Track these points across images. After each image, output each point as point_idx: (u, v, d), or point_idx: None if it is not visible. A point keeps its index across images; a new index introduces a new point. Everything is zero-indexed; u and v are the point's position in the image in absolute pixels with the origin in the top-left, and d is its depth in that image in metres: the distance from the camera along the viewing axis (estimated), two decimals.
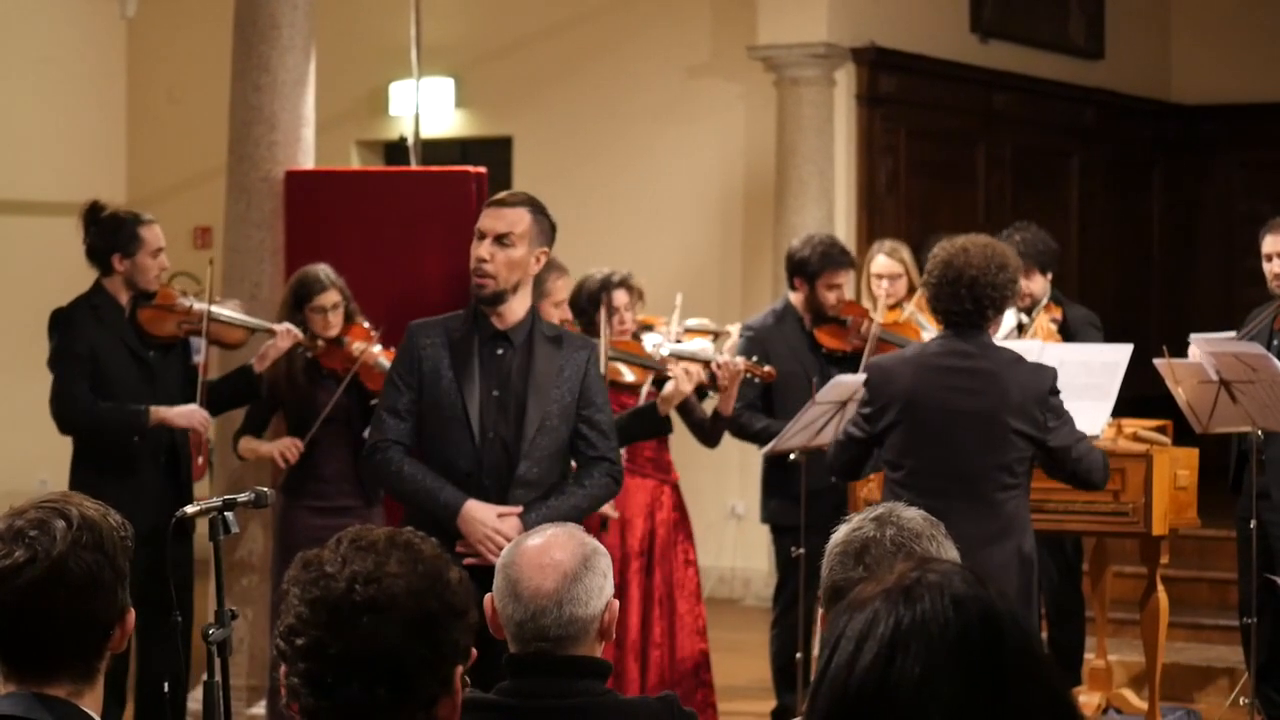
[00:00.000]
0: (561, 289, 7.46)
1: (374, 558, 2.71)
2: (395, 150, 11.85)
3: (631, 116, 12.40)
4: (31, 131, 12.69)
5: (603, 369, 6.91)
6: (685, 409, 7.60)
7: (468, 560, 5.57)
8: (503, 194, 5.95)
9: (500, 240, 5.74)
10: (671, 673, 7.64)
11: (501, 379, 5.78)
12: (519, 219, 5.77)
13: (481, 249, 5.74)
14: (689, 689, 7.61)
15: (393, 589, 2.68)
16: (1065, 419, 6.31)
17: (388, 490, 6.44)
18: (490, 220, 5.77)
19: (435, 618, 2.68)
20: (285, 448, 7.50)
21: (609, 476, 5.87)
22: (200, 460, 7.40)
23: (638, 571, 7.62)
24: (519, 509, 5.73)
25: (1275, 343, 7.64)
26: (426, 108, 11.03)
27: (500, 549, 5.54)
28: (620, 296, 7.63)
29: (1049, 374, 6.33)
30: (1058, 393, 6.30)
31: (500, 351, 5.79)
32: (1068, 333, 8.30)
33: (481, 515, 5.69)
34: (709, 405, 7.79)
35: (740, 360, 7.52)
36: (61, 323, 7.27)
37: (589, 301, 7.63)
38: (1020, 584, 6.28)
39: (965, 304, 6.25)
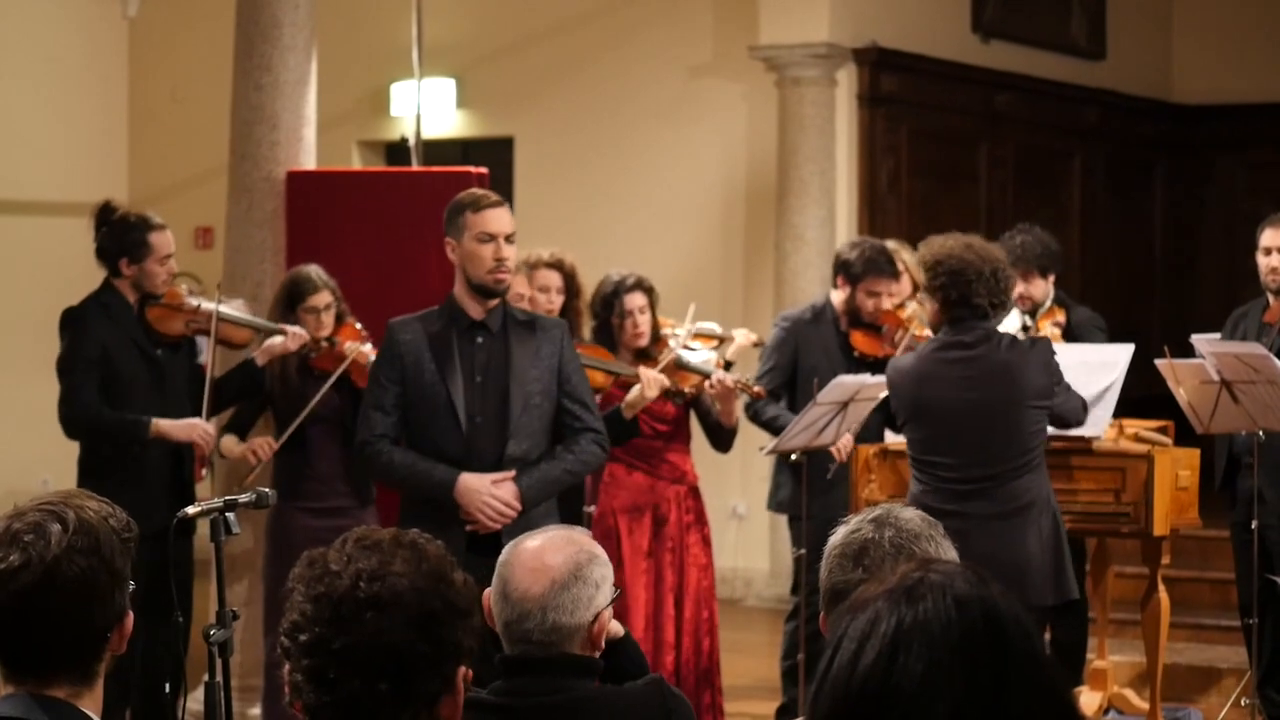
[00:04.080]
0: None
1: (378, 556, 2.72)
2: (396, 150, 11.84)
3: (633, 116, 12.39)
4: (33, 131, 12.68)
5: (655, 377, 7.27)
6: (701, 413, 7.72)
7: (469, 528, 5.88)
8: (490, 195, 6.22)
9: (509, 239, 6.07)
10: (679, 674, 7.62)
11: (482, 365, 6.05)
12: (511, 217, 6.14)
13: (505, 250, 6.03)
14: (695, 690, 7.61)
15: (396, 586, 2.69)
16: (1064, 380, 6.64)
17: (382, 482, 6.67)
18: (499, 223, 6.05)
19: (437, 616, 2.69)
20: (257, 446, 7.52)
21: (596, 445, 6.16)
22: (202, 471, 7.45)
23: (644, 572, 7.60)
24: (512, 473, 5.97)
25: (1264, 338, 7.63)
26: (428, 108, 11.02)
27: (500, 515, 5.84)
28: (633, 300, 7.63)
29: (1045, 343, 6.67)
30: (1054, 353, 6.63)
31: (479, 340, 6.06)
32: (1072, 335, 8.25)
33: (476, 484, 5.93)
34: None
35: (730, 377, 7.57)
36: (73, 322, 7.30)
37: (604, 305, 7.68)
38: (1049, 548, 6.51)
39: (977, 298, 6.47)
